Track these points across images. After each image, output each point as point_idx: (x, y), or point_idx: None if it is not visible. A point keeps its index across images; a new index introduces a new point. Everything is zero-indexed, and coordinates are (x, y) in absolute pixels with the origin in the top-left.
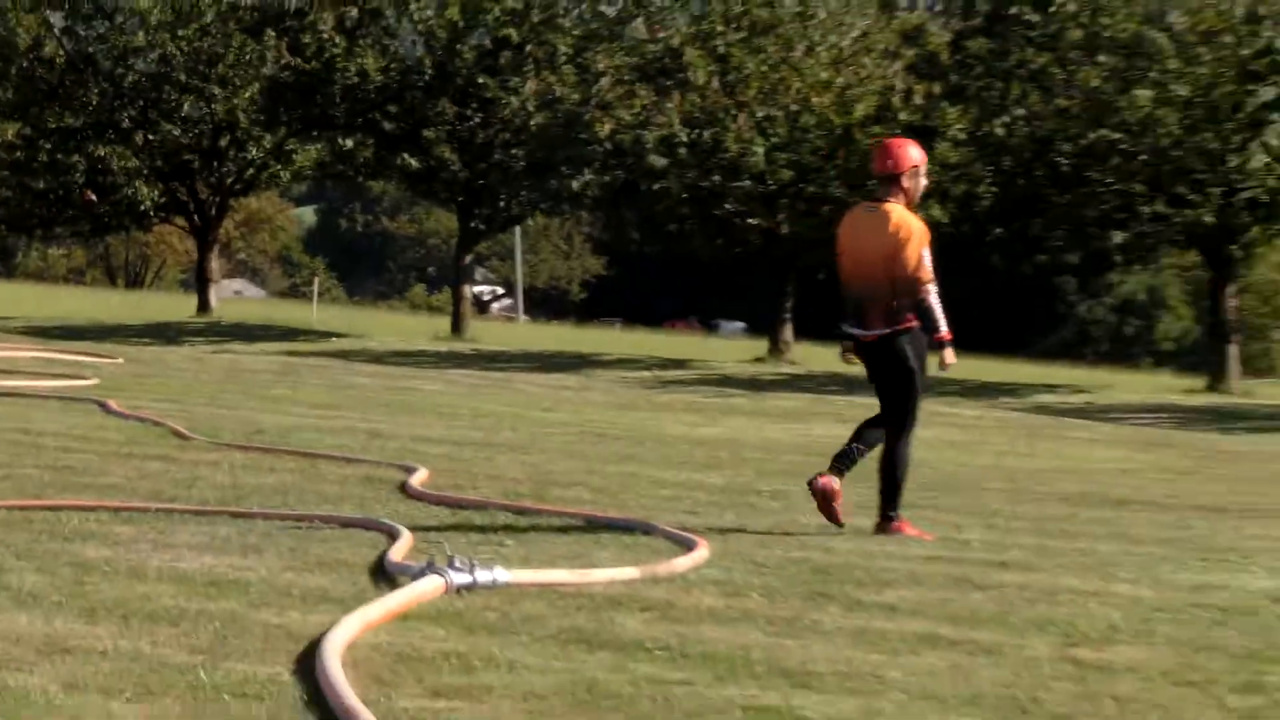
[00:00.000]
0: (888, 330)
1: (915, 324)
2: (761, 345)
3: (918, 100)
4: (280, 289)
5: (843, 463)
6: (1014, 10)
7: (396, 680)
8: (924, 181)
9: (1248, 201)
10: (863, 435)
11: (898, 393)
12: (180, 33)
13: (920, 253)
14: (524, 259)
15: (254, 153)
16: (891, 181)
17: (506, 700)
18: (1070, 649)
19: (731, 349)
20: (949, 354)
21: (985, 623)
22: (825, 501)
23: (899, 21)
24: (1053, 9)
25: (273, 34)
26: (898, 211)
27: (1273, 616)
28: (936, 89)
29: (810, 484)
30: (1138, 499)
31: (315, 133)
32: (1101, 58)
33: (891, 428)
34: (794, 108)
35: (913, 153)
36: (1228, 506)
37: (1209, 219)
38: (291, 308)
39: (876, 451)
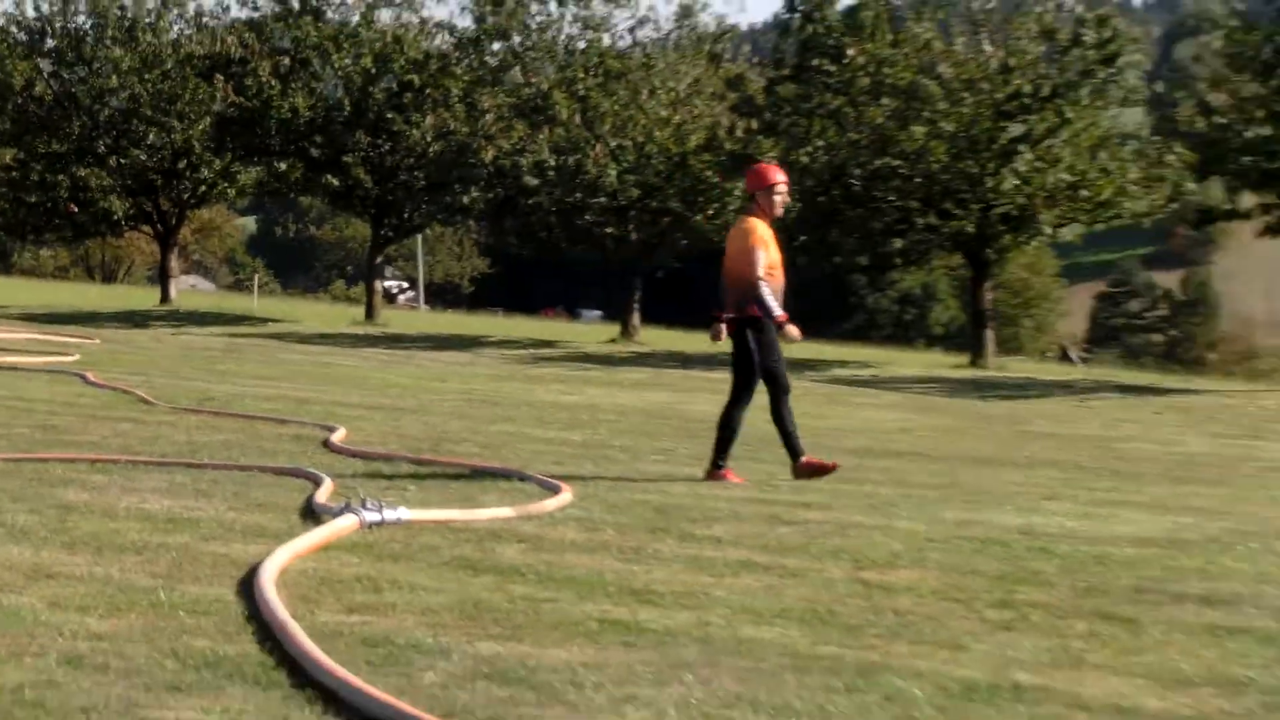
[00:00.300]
0: (738, 317)
1: (761, 315)
2: (614, 329)
3: (739, 134)
4: (227, 283)
5: (791, 447)
6: (815, 62)
7: (319, 599)
8: (779, 199)
9: (1001, 216)
10: (781, 421)
11: (738, 370)
12: (146, 77)
13: (754, 255)
14: (424, 259)
15: (206, 173)
16: (751, 198)
17: (408, 615)
18: (859, 572)
19: (591, 332)
20: (789, 330)
21: (792, 551)
22: (816, 472)
23: (724, 70)
24: (845, 61)
25: (221, 78)
26: (748, 222)
27: (1022, 547)
28: (754, 125)
29: (796, 476)
30: (914, 452)
31: (255, 158)
32: (884, 100)
33: (733, 395)
34: (640, 139)
35: (768, 175)
36: (985, 458)
37: (970, 229)
38: (236, 299)
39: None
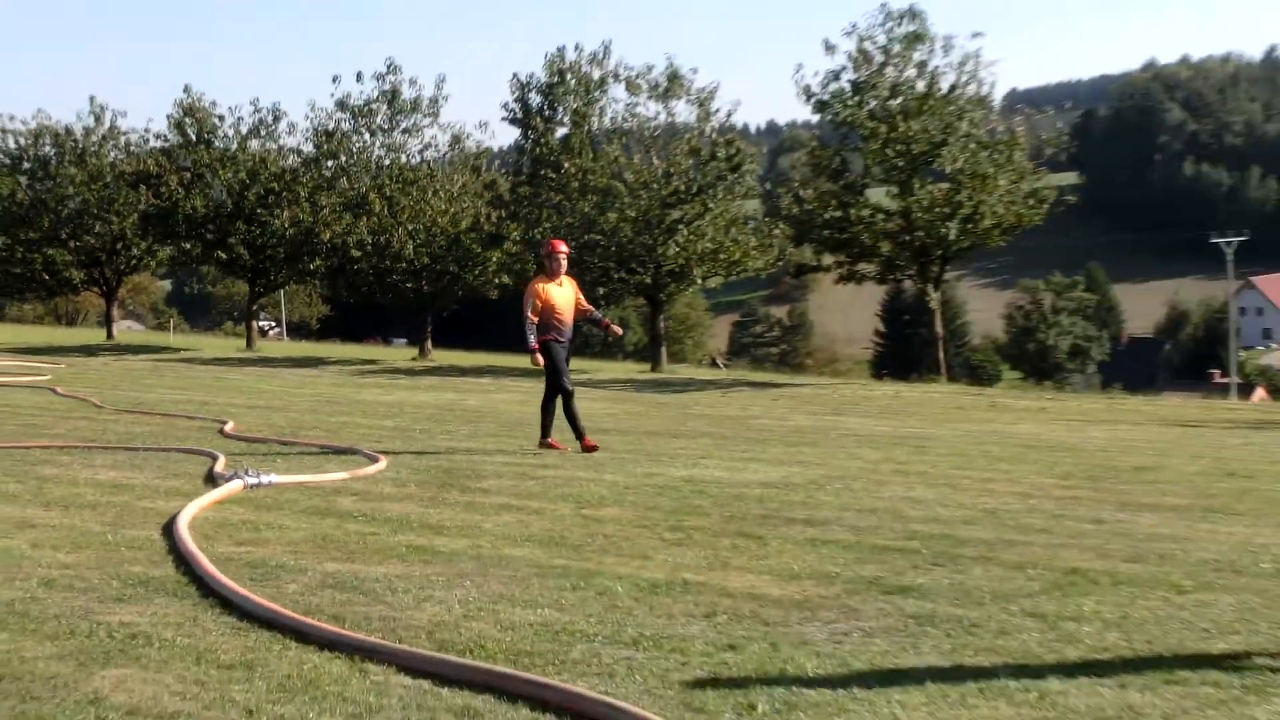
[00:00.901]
0: (537, 342)
1: (548, 338)
2: (414, 351)
3: (493, 219)
4: (153, 325)
5: (550, 426)
6: (542, 172)
7: (218, 537)
8: (554, 264)
9: (668, 272)
10: (550, 412)
11: (546, 376)
12: (92, 187)
13: (526, 300)
14: (285, 306)
15: (135, 252)
16: (539, 263)
17: (278, 546)
18: (581, 510)
19: (399, 354)
20: (535, 359)
21: (535, 497)
22: (550, 449)
23: (482, 177)
24: (562, 171)
25: (144, 187)
26: (533, 281)
27: (687, 490)
28: (503, 214)
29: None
30: (615, 429)
31: (168, 241)
32: (589, 196)
33: (547, 393)
34: (428, 224)
35: (550, 247)
36: (662, 432)
37: (648, 281)
38: (159, 335)
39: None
